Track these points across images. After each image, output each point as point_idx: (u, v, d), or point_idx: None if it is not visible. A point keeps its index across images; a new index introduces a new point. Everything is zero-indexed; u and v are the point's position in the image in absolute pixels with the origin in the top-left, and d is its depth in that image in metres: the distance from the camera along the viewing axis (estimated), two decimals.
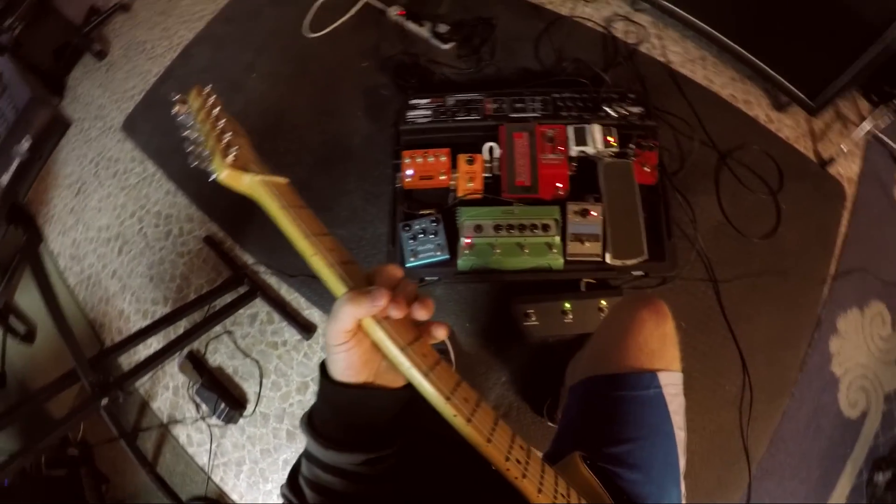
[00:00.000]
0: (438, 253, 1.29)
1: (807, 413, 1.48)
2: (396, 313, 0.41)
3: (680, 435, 0.74)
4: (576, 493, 0.49)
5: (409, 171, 1.33)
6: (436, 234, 1.30)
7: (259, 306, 1.48)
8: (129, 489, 1.50)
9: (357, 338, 0.42)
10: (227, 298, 1.45)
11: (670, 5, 1.59)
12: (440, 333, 0.45)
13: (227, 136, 0.47)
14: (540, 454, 0.49)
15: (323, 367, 0.45)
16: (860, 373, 1.53)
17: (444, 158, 1.33)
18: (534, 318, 1.31)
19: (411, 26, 1.60)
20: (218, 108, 0.50)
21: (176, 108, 0.50)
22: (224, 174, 0.44)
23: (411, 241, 1.29)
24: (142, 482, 1.43)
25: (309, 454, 0.47)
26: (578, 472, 0.61)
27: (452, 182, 1.33)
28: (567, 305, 1.31)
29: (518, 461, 0.43)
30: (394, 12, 1.63)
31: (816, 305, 1.50)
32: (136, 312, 1.53)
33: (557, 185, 1.31)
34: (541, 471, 0.45)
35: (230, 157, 0.45)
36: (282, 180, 0.48)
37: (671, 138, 1.51)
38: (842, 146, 1.58)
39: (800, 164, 1.58)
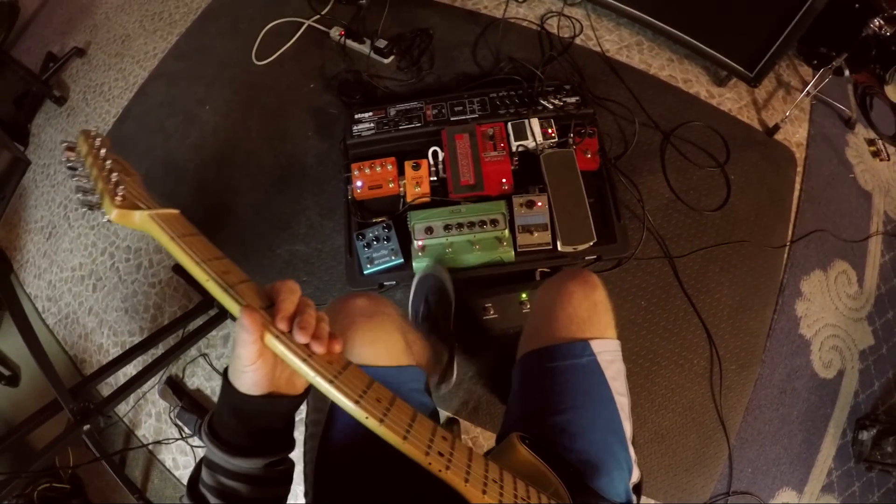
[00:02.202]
0: (393, 258, 1.28)
1: (780, 378, 1.44)
2: (301, 335, 0.42)
3: (621, 401, 0.71)
4: (511, 476, 0.47)
5: (359, 183, 1.33)
6: (388, 239, 1.29)
7: (230, 326, 1.48)
8: None
9: (263, 357, 0.42)
10: (199, 321, 1.46)
11: None
12: (336, 348, 0.44)
13: (115, 177, 0.47)
14: (469, 445, 0.47)
15: (226, 375, 0.45)
16: (831, 333, 1.49)
17: (390, 167, 1.33)
18: (493, 312, 1.30)
19: (352, 44, 1.62)
20: (104, 150, 0.50)
21: (65, 156, 0.49)
22: (114, 214, 0.44)
23: (366, 249, 1.29)
24: None
25: (210, 462, 0.46)
26: (517, 453, 0.59)
27: (401, 188, 1.33)
28: (524, 296, 1.30)
29: (440, 453, 0.42)
30: (335, 33, 1.65)
31: (778, 271, 1.47)
32: (115, 345, 1.54)
33: (502, 180, 1.30)
34: (467, 460, 0.44)
35: (118, 197, 0.44)
36: (172, 212, 0.48)
37: (612, 124, 1.50)
38: (787, 112, 1.56)
39: (745, 135, 1.57)
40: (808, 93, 1.56)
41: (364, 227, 1.31)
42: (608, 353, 0.73)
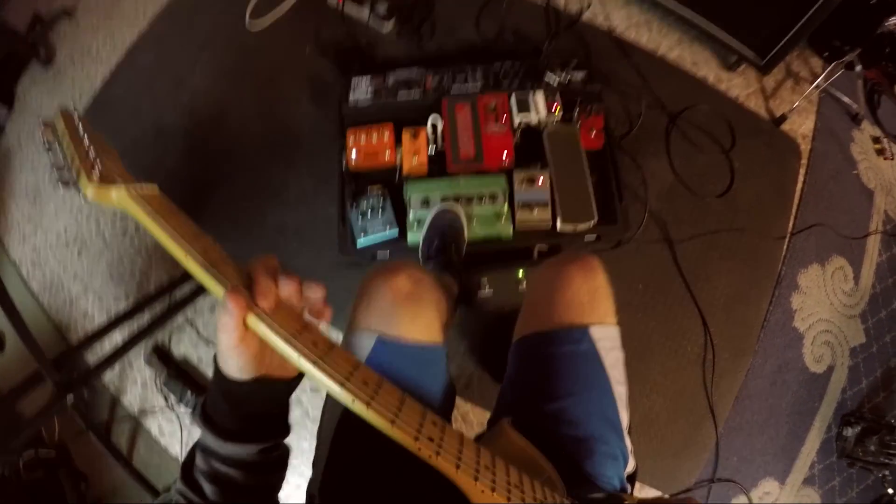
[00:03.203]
0: (388, 229, 1.23)
1: (771, 369, 1.42)
2: (283, 290, 0.40)
3: (619, 390, 0.68)
4: (503, 462, 0.44)
5: (354, 152, 1.27)
6: (384, 210, 1.24)
7: None
8: (107, 486, 1.46)
9: (247, 339, 0.39)
10: (187, 289, 1.40)
11: None
12: (313, 293, 0.42)
13: (91, 154, 0.45)
14: (461, 431, 0.44)
15: (215, 360, 0.43)
16: (824, 328, 1.47)
17: (387, 135, 1.27)
18: (488, 288, 1.26)
19: (351, 8, 1.54)
20: (81, 127, 0.48)
21: (42, 134, 0.47)
22: (91, 192, 0.41)
23: (360, 219, 1.24)
24: (119, 477, 1.39)
25: (205, 447, 0.44)
26: (509, 439, 0.56)
27: (398, 159, 1.27)
28: (520, 274, 1.25)
29: (430, 439, 0.39)
30: None
31: (776, 262, 1.44)
32: (100, 312, 1.48)
33: (503, 154, 1.25)
34: (458, 445, 0.41)
35: (95, 174, 0.42)
36: (150, 189, 0.45)
37: (618, 103, 1.44)
38: (795, 103, 1.51)
39: (752, 123, 1.52)
40: (818, 86, 1.51)
41: (359, 195, 1.26)
42: (607, 339, 0.69)
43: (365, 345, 0.66)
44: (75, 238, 1.55)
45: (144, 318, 1.40)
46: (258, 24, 1.62)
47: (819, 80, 1.51)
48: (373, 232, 1.23)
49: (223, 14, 1.67)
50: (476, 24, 1.54)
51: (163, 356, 1.43)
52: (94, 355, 1.43)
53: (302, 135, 1.49)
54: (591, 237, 1.27)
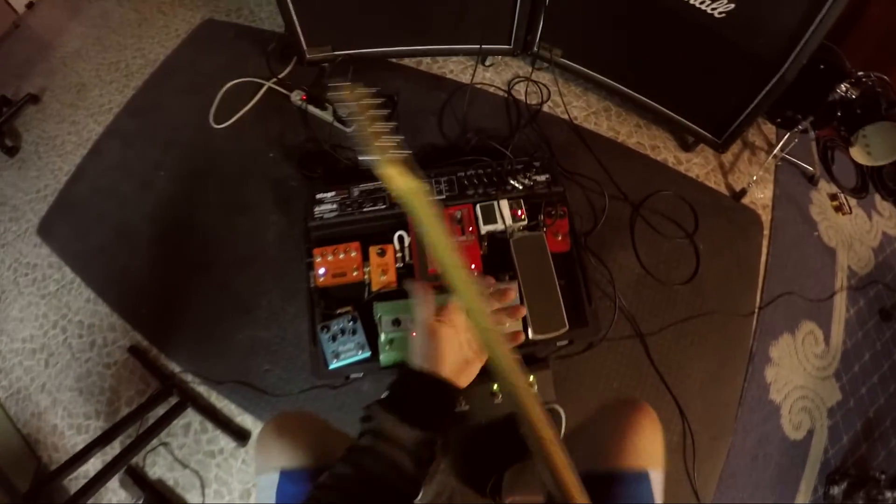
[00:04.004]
0: (360, 352, 1.21)
1: (752, 445, 1.43)
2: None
3: None
4: None
5: (322, 270, 1.26)
6: (355, 332, 1.22)
7: (192, 415, 1.39)
8: None
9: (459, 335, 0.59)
10: (160, 411, 1.36)
11: (568, 62, 1.55)
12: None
13: (387, 136, 0.54)
14: None
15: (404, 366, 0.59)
16: (800, 394, 1.48)
17: (354, 254, 1.25)
18: (464, 404, 1.24)
19: (314, 111, 1.53)
20: (374, 108, 0.57)
21: (342, 94, 0.57)
22: (391, 171, 0.50)
23: (331, 343, 1.22)
24: None
25: (377, 430, 0.54)
26: None
27: (366, 276, 1.26)
28: (495, 387, 1.25)
29: None
30: (297, 97, 1.56)
31: (747, 339, 1.45)
32: (70, 428, 1.44)
33: (471, 266, 1.25)
34: None
35: (393, 154, 0.52)
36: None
37: (582, 197, 1.45)
38: (753, 177, 1.54)
39: (713, 201, 1.54)
40: (775, 156, 1.54)
41: (328, 318, 1.24)
42: (659, 483, 0.77)
43: (271, 482, 0.71)
44: (41, 347, 1.51)
45: (117, 443, 1.36)
46: (223, 124, 1.61)
47: (776, 150, 1.54)
48: (345, 356, 1.21)
49: (187, 111, 1.66)
50: (439, 122, 1.54)
51: (137, 479, 1.37)
52: (68, 481, 1.38)
53: (268, 244, 1.47)
54: (563, 342, 1.26)
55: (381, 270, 1.24)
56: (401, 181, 0.51)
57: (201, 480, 1.35)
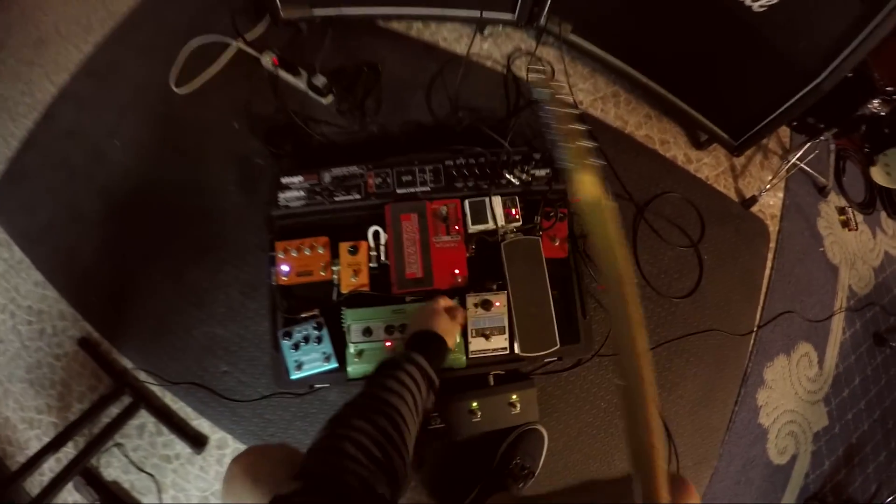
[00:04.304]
0: (325, 363, 1.06)
1: (736, 470, 1.36)
2: None
3: None
4: None
5: (285, 267, 1.09)
6: (320, 340, 1.06)
7: (145, 416, 1.25)
8: None
9: None
10: (114, 410, 1.23)
11: (578, 39, 1.36)
12: None
13: (586, 141, 0.53)
14: None
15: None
16: (788, 419, 1.42)
17: (322, 250, 1.09)
18: (438, 422, 1.12)
19: (286, 77, 1.32)
20: (571, 108, 0.57)
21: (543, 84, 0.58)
22: (585, 177, 0.50)
23: (294, 352, 1.06)
24: None
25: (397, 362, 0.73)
26: None
27: (335, 276, 1.10)
28: (474, 404, 1.12)
29: None
30: (268, 60, 1.33)
31: (743, 359, 1.36)
32: (22, 422, 1.29)
33: (454, 271, 1.09)
34: None
35: (593, 163, 0.52)
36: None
37: None
38: (767, 186, 1.42)
39: (721, 207, 1.42)
40: (794, 164, 1.42)
41: (291, 322, 1.08)
42: None
43: None
44: None
45: (70, 445, 1.22)
46: (185, 88, 1.38)
47: (794, 159, 1.42)
48: (309, 366, 1.06)
49: (147, 73, 1.43)
50: (427, 97, 1.35)
51: (92, 480, 1.25)
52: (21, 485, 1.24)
53: (227, 229, 1.28)
54: (551, 359, 1.14)
55: (352, 270, 1.08)
56: (592, 190, 0.51)
57: (157, 485, 1.24)
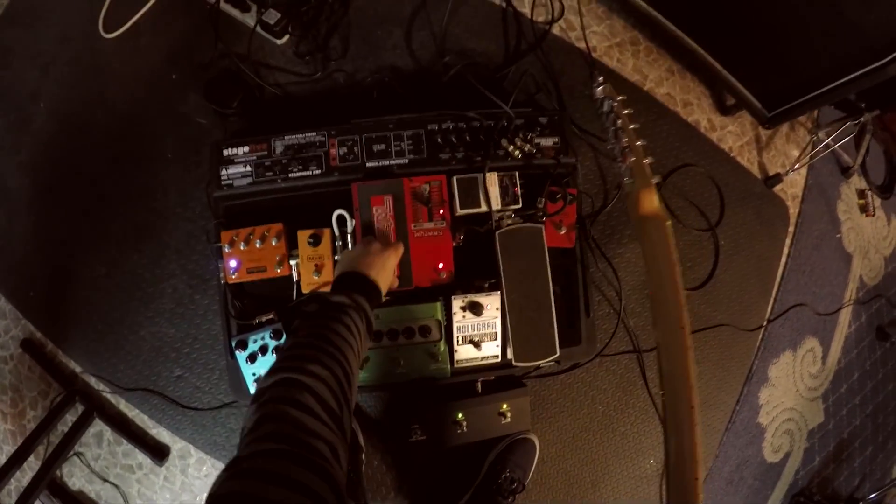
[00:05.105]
0: None
1: (730, 470, 1.29)
2: None
3: None
4: None
5: (233, 262, 0.87)
6: (278, 351, 0.87)
7: (101, 424, 1.09)
8: None
9: None
10: (69, 419, 1.07)
11: None
12: None
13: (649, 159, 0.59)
14: None
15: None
16: (787, 417, 1.34)
17: (276, 241, 0.86)
18: (420, 433, 0.96)
19: (232, 11, 1.02)
20: (633, 123, 0.62)
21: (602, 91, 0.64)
22: (647, 193, 0.53)
23: (250, 365, 0.87)
24: None
25: (324, 300, 0.64)
26: None
27: (293, 272, 0.88)
28: (460, 415, 0.97)
29: None
30: None
31: (749, 356, 1.25)
32: None
33: (438, 265, 0.90)
34: None
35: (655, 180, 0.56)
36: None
37: (592, 163, 1.10)
38: (795, 165, 1.25)
39: (743, 185, 1.24)
40: (826, 144, 1.25)
41: (245, 327, 0.88)
42: None
43: None
44: None
45: (32, 457, 1.07)
46: (114, 31, 1.08)
47: (828, 140, 1.25)
48: None
49: (74, 16, 1.14)
50: (407, 37, 1.07)
51: (57, 491, 1.12)
52: None
53: (168, 209, 1.05)
54: (548, 362, 0.98)
55: (313, 266, 0.87)
56: (651, 205, 0.52)
57: (123, 496, 1.11)
